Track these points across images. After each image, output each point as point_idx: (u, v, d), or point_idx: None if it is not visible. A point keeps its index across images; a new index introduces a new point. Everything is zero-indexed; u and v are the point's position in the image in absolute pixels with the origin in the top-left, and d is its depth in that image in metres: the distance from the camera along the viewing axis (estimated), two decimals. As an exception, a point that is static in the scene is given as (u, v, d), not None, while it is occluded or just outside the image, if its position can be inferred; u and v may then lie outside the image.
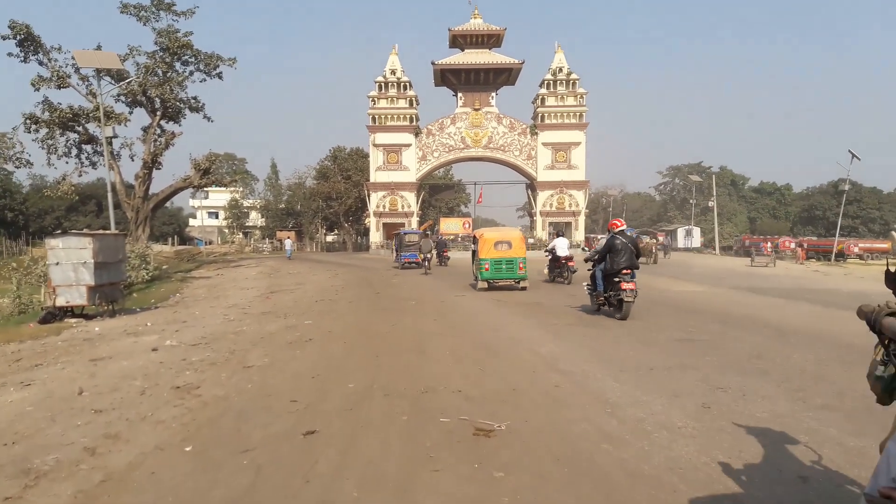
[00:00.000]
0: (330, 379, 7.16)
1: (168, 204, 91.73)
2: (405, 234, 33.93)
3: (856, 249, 45.00)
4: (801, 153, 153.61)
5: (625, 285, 11.64)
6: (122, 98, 35.87)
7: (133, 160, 34.51)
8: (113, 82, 35.16)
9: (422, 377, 7.14)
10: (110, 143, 33.39)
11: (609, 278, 12.04)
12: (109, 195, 22.32)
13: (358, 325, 11.47)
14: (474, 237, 20.94)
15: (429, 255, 27.45)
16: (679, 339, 9.61)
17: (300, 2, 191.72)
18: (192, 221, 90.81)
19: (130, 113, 36.08)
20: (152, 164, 33.26)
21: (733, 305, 14.59)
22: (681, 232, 67.34)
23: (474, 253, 20.49)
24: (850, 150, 42.25)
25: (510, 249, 18.92)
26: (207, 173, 33.53)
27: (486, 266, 18.75)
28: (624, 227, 12.38)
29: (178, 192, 35.42)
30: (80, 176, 33.60)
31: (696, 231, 68.86)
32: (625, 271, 11.72)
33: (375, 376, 7.21)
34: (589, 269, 13.13)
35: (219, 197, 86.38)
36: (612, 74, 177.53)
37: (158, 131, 35.69)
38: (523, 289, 18.63)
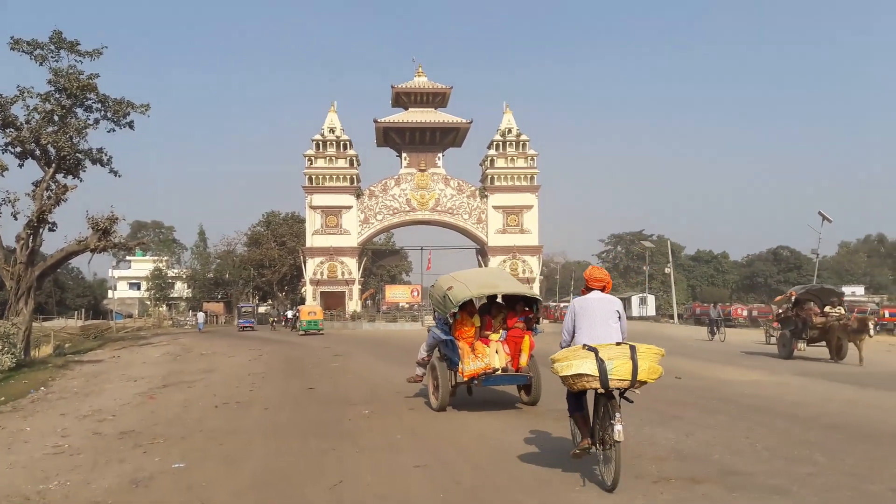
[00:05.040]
0: None
1: (91, 276, 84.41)
2: (242, 306, 49.70)
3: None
4: (733, 223, 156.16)
5: None
6: (10, 149, 30.04)
7: (16, 219, 28.45)
8: (-1, 130, 29.62)
9: None
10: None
11: None
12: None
13: (264, 493, 5.96)
14: (297, 309, 41.19)
15: (275, 319, 47.52)
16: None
17: (227, 51, 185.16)
18: (111, 293, 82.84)
19: (20, 166, 30.24)
20: (38, 223, 27.29)
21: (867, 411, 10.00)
22: (635, 300, 64.77)
23: (296, 318, 40.54)
24: (820, 213, 39.99)
25: (315, 316, 38.05)
26: (107, 234, 27.82)
27: (304, 324, 37.36)
28: None
29: (72, 256, 29.35)
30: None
31: (651, 299, 66.46)
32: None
33: None
34: None
35: (143, 266, 79.71)
36: (558, 140, 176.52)
37: (52, 186, 29.86)
38: (322, 334, 36.00)
